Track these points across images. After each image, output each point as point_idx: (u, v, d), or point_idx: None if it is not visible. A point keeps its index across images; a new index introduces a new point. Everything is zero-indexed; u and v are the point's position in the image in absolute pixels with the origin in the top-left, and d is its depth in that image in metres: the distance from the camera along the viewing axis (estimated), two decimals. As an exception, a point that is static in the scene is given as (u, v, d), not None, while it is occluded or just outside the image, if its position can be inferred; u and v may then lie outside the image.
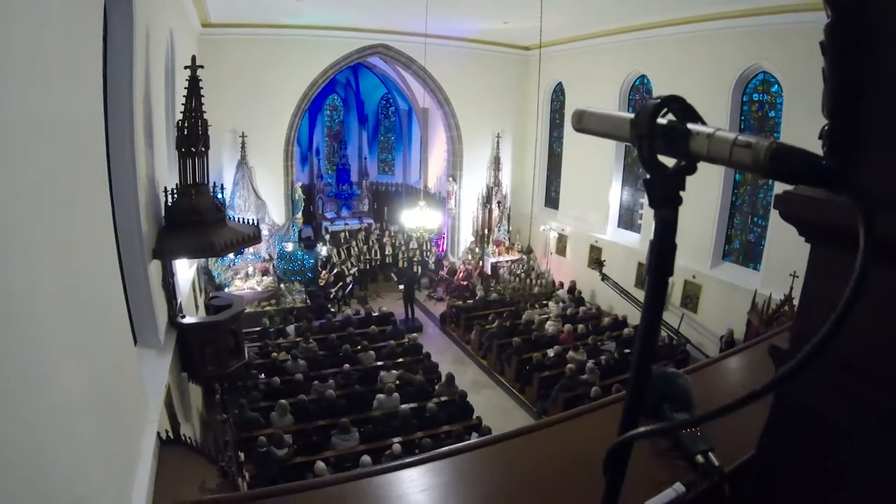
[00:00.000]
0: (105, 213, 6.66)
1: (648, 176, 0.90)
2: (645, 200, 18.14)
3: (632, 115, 0.91)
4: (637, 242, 19.57)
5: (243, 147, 19.77)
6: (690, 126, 0.84)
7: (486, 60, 23.38)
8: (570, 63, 21.61)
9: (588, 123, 1.05)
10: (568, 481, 1.85)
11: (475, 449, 2.07)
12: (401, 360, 15.15)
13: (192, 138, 10.16)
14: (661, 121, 0.88)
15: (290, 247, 20.80)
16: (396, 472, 1.92)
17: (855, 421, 1.41)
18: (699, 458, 1.80)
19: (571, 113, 1.11)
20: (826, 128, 1.40)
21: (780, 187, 11.13)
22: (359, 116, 29.57)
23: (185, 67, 10.83)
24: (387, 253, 24.21)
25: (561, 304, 19.87)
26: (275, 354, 14.68)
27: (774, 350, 1.64)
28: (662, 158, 0.90)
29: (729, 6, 14.47)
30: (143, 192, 8.58)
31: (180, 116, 10.67)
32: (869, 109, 1.37)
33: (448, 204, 24.32)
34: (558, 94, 23.54)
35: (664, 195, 0.91)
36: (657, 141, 0.87)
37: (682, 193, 0.90)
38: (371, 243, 24.28)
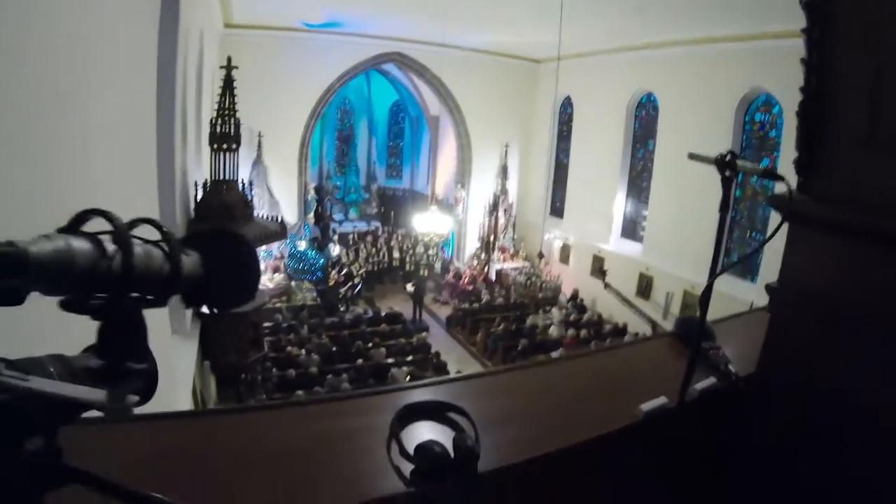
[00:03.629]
0: (153, 203, 7.12)
1: (721, 178, 2.02)
2: (647, 213, 18.59)
3: (714, 157, 2.04)
4: (639, 253, 19.85)
5: (260, 146, 20.20)
6: (738, 161, 2.00)
7: (497, 71, 23.86)
8: (578, 77, 21.99)
9: (696, 158, 2.18)
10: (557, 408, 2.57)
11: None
12: (410, 357, 15.60)
13: (226, 135, 10.57)
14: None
15: (302, 246, 21.18)
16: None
17: (823, 346, 2.48)
18: (722, 367, 2.77)
19: (687, 153, 2.34)
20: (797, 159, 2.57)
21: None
22: (369, 120, 29.95)
23: (221, 67, 11.26)
24: (394, 256, 24.65)
25: (564, 311, 20.27)
26: (289, 349, 15.05)
27: (769, 287, 2.92)
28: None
29: (734, 29, 14.88)
30: (178, 185, 8.95)
31: (212, 114, 11.08)
32: (826, 143, 2.48)
33: (456, 210, 24.73)
34: (566, 108, 23.94)
35: (726, 185, 2.03)
36: (725, 166, 2.01)
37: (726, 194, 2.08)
38: (379, 246, 24.74)
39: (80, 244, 0.87)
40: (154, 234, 1.05)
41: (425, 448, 1.88)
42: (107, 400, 0.84)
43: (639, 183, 20.58)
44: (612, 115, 20.74)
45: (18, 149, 2.86)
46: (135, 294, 0.96)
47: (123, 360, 0.93)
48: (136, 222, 0.98)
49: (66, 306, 0.91)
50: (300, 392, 12.33)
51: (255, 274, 1.19)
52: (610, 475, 2.37)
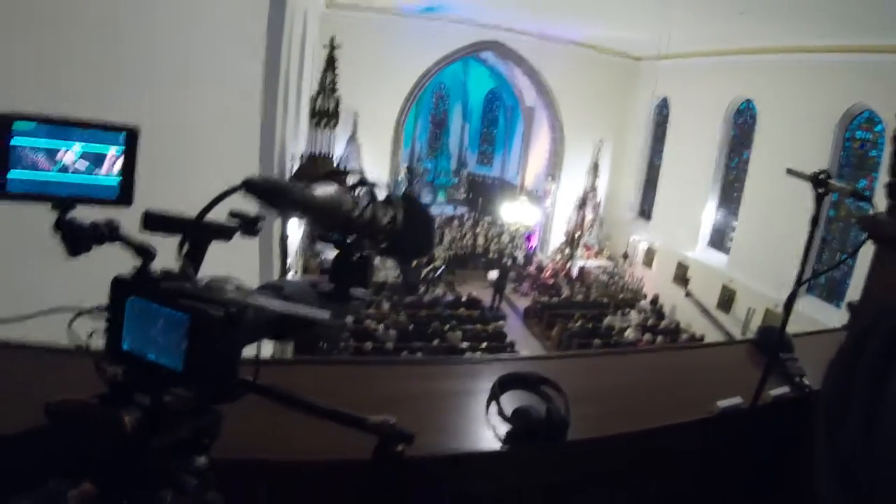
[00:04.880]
0: (254, 170, 7.48)
1: (814, 195, 2.23)
2: (736, 224, 18.11)
3: (810, 174, 2.26)
4: (724, 264, 19.32)
5: (355, 124, 20.59)
6: (831, 181, 2.24)
7: (595, 66, 23.58)
8: (677, 78, 21.44)
9: (792, 174, 2.35)
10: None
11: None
12: (485, 344, 15.68)
13: (325, 112, 10.91)
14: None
15: (388, 224, 21.43)
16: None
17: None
18: (797, 379, 2.86)
19: (786, 168, 2.50)
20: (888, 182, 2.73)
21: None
22: (464, 106, 30.09)
23: (324, 46, 11.61)
24: (478, 243, 24.80)
25: (642, 315, 20.03)
26: (367, 322, 15.39)
27: (851, 305, 3.13)
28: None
29: (841, 40, 14.30)
30: (276, 156, 9.33)
31: (312, 90, 11.44)
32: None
33: (544, 202, 24.70)
34: (662, 108, 23.46)
35: (818, 202, 2.23)
36: (819, 184, 2.14)
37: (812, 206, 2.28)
38: (464, 231, 24.91)
39: (344, 194, 1.16)
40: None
41: (523, 411, 2.06)
42: (330, 317, 1.04)
43: (730, 192, 20.04)
44: (709, 120, 20.22)
45: (131, 115, 3.14)
46: (366, 237, 1.22)
47: (349, 286, 1.19)
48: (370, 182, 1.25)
49: (321, 238, 1.22)
50: (375, 366, 12.58)
51: (433, 234, 1.45)
52: (681, 461, 2.52)
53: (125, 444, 0.90)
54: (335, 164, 11.35)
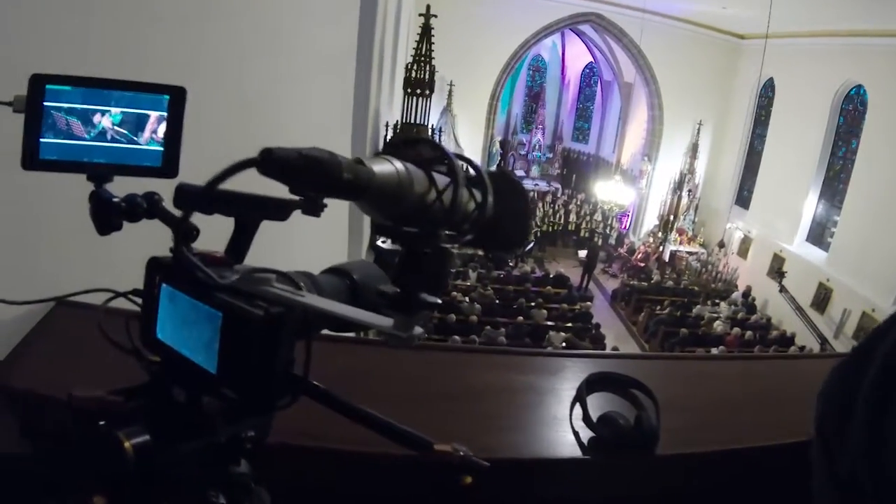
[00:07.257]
0: (346, 138, 7.47)
1: None
2: (838, 218, 17.24)
3: None
4: (823, 261, 18.24)
5: (450, 95, 20.53)
6: None
7: (698, 44, 22.65)
8: (783, 59, 19.98)
9: None
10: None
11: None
12: (570, 324, 15.46)
13: (420, 81, 10.85)
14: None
15: (480, 195, 21.54)
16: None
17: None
18: None
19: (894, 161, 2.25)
20: None
21: None
22: (560, 80, 29.44)
23: (420, 15, 11.51)
24: (570, 220, 24.38)
25: (733, 307, 19.22)
26: (454, 294, 15.40)
27: None
28: None
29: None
30: (370, 125, 9.32)
31: (407, 59, 11.38)
32: None
33: (639, 183, 24.05)
34: (767, 90, 22.22)
35: None
36: None
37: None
38: (556, 208, 24.53)
39: (417, 173, 0.88)
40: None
41: (610, 419, 1.87)
42: (394, 328, 0.85)
43: (834, 184, 18.80)
44: (816, 105, 18.91)
45: (218, 83, 3.10)
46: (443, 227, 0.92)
47: (419, 291, 0.88)
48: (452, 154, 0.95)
49: (380, 230, 0.92)
50: (456, 337, 12.59)
51: (530, 222, 1.18)
52: (768, 485, 2.30)
53: (128, 469, 0.78)
54: (429, 134, 11.26)
